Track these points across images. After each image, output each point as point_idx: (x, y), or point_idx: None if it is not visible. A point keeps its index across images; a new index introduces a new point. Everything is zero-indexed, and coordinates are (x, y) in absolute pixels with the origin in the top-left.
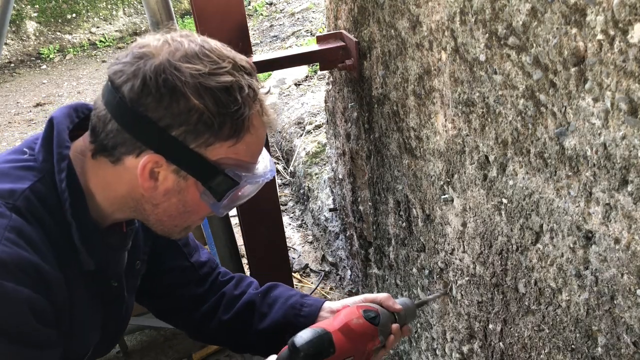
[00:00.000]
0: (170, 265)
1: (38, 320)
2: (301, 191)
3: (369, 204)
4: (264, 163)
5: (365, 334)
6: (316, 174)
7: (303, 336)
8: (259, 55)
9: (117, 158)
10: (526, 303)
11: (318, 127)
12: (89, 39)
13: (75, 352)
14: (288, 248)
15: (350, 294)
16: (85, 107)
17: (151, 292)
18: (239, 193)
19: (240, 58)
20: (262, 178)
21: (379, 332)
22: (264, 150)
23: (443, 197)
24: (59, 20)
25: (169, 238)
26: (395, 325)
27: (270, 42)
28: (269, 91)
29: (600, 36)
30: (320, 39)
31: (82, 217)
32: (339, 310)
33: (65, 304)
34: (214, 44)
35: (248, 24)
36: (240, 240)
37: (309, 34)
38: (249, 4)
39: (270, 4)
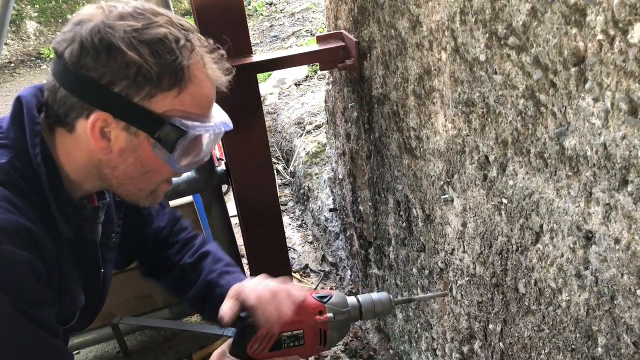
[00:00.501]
0: (139, 236)
1: (38, 281)
2: (301, 191)
3: (369, 204)
4: (219, 117)
5: (310, 308)
6: (316, 174)
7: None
8: (259, 55)
9: (71, 125)
10: (526, 303)
11: (318, 127)
12: None
13: (65, 314)
14: (288, 248)
15: (350, 294)
16: None
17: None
18: (189, 144)
19: (180, 18)
20: (214, 127)
21: (328, 309)
22: (219, 108)
23: (443, 197)
24: (59, 20)
25: (137, 206)
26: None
27: (270, 42)
28: (216, 49)
29: (600, 36)
30: (320, 39)
31: (57, 189)
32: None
33: (54, 267)
34: (150, 5)
35: (248, 24)
36: (240, 240)
37: (309, 34)
38: (249, 4)
39: (270, 4)
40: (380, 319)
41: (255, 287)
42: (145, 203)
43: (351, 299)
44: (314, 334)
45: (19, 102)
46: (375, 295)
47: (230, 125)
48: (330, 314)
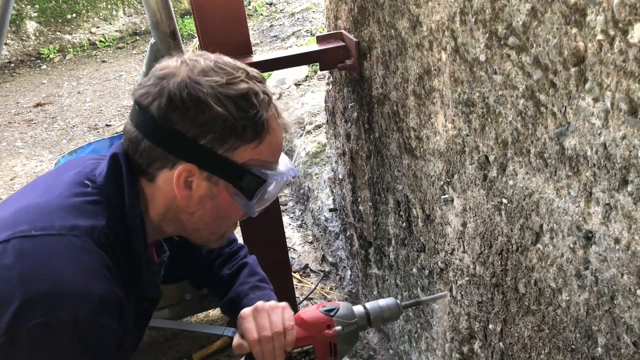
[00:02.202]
0: (189, 260)
1: (116, 348)
2: (301, 191)
3: (369, 204)
4: (284, 163)
5: (318, 323)
6: (316, 174)
7: None
8: (259, 55)
9: (152, 175)
10: (526, 303)
11: (318, 127)
12: (89, 39)
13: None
14: (288, 248)
15: (350, 294)
16: None
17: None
18: (267, 191)
19: (251, 69)
20: (286, 175)
21: (336, 322)
22: (282, 152)
23: (443, 197)
24: (59, 20)
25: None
26: None
27: (270, 42)
28: (280, 97)
29: (600, 36)
30: (320, 39)
31: (146, 250)
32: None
33: (127, 328)
34: (226, 58)
35: (248, 24)
36: (240, 240)
37: (309, 34)
38: (249, 4)
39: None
40: None
41: (252, 325)
42: (215, 245)
43: (358, 309)
44: (324, 348)
45: (115, 160)
46: (382, 302)
47: (295, 171)
48: (338, 327)
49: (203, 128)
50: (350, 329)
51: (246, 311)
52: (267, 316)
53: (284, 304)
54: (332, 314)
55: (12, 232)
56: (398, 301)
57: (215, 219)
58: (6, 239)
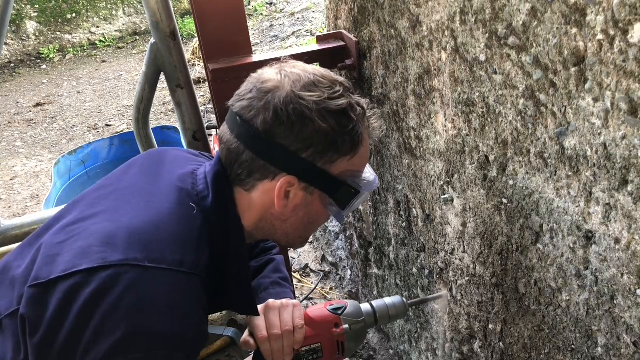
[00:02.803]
0: None
1: None
2: None
3: (369, 204)
4: (370, 171)
5: (325, 321)
6: None
7: None
8: (259, 55)
9: (251, 185)
10: (526, 303)
11: None
12: (89, 39)
13: None
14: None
15: (350, 294)
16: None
17: None
18: (358, 200)
19: (344, 79)
20: (374, 184)
21: (344, 320)
22: None
23: (443, 197)
24: (59, 20)
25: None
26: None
27: (270, 42)
28: (368, 105)
29: (600, 36)
30: (320, 39)
31: (247, 275)
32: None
33: None
34: (324, 71)
35: (248, 24)
36: None
37: (309, 34)
38: (249, 4)
39: (270, 4)
40: None
41: (261, 322)
42: (299, 247)
43: (365, 307)
44: (332, 346)
45: (219, 183)
46: (388, 300)
47: (378, 180)
48: (346, 326)
49: (306, 142)
50: (357, 327)
51: (258, 307)
52: (277, 314)
53: (295, 301)
54: (339, 312)
55: (125, 257)
56: (404, 299)
57: (306, 224)
58: (120, 263)
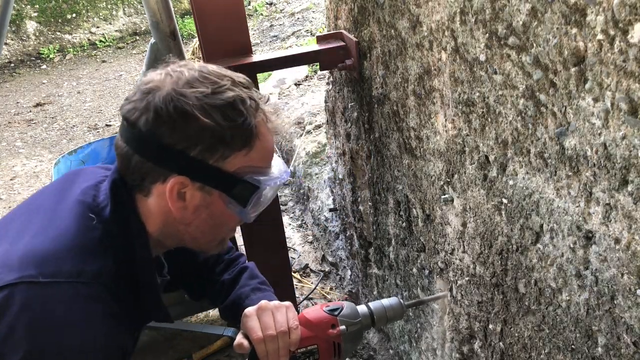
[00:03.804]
0: (187, 269)
1: None
2: (301, 191)
3: (369, 204)
4: (278, 167)
5: (322, 322)
6: (316, 174)
7: None
8: (259, 55)
9: (147, 190)
10: (526, 303)
11: (318, 127)
12: (89, 39)
13: None
14: (288, 248)
15: (350, 294)
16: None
17: None
18: (261, 197)
19: (237, 75)
20: (279, 179)
21: (340, 322)
22: (275, 155)
23: (443, 197)
24: (59, 20)
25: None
26: None
27: (270, 42)
28: (268, 99)
29: (600, 36)
30: (320, 39)
31: (153, 278)
32: None
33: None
34: (211, 67)
35: (248, 24)
36: (240, 240)
37: (309, 34)
38: (249, 4)
39: (270, 4)
40: None
41: (255, 324)
42: (215, 251)
43: (362, 308)
44: (328, 348)
45: (116, 190)
46: (386, 302)
47: (289, 173)
48: (342, 327)
49: (192, 140)
50: (354, 328)
51: (250, 310)
52: (271, 315)
53: (288, 303)
54: (336, 313)
55: (19, 275)
56: (401, 300)
57: (212, 226)
58: (14, 282)
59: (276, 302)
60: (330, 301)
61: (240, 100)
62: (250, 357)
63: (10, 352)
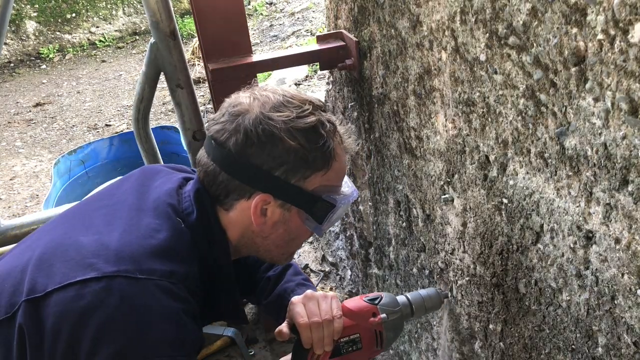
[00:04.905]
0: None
1: None
2: None
3: (369, 204)
4: (348, 184)
5: (363, 311)
6: None
7: None
8: (259, 55)
9: (229, 205)
10: (526, 303)
11: None
12: (88, 39)
13: None
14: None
15: (351, 294)
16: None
17: None
18: (335, 214)
19: (315, 98)
20: (351, 197)
21: (381, 310)
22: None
23: (443, 197)
24: (59, 20)
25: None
26: None
27: (270, 42)
28: (342, 121)
29: (600, 36)
30: (320, 39)
31: (234, 284)
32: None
33: None
34: (293, 91)
35: (248, 24)
36: None
37: (309, 34)
38: (249, 4)
39: (270, 3)
40: None
41: (302, 310)
42: (283, 263)
43: (401, 298)
44: (371, 337)
45: (201, 199)
46: (423, 292)
47: (358, 192)
48: (383, 315)
49: (277, 161)
50: (394, 316)
51: (297, 297)
52: (317, 303)
53: (332, 293)
54: (376, 302)
55: (117, 269)
56: (439, 290)
57: (287, 241)
58: (113, 274)
59: (322, 292)
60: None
61: (321, 124)
62: (295, 346)
63: (108, 342)
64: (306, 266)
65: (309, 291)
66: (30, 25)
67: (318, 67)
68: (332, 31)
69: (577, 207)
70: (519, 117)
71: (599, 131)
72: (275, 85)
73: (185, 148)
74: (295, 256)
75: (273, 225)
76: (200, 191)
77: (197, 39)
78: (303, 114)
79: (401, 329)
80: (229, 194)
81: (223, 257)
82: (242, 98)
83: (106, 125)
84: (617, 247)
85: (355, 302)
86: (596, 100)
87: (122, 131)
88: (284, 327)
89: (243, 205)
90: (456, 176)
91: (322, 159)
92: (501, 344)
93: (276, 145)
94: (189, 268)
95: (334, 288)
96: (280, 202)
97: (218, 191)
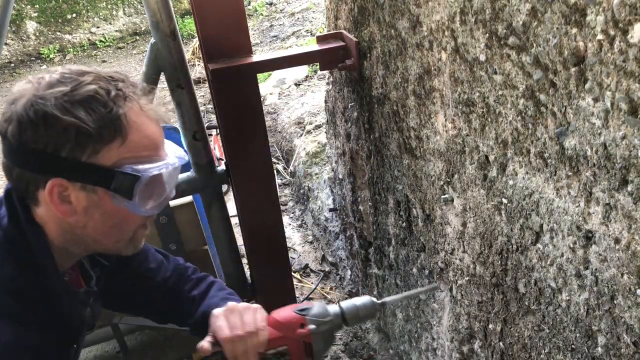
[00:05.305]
0: (144, 295)
1: None
2: (301, 191)
3: (369, 204)
4: (172, 152)
5: (290, 322)
6: (316, 174)
7: None
8: (259, 56)
9: (34, 198)
10: (526, 303)
11: (318, 127)
12: (89, 39)
13: None
14: (288, 248)
15: (351, 294)
16: None
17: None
18: (152, 186)
19: (106, 71)
20: (165, 165)
21: (309, 321)
22: (170, 142)
23: (443, 197)
24: (59, 20)
25: (120, 256)
26: None
27: (270, 42)
28: (143, 88)
29: (600, 36)
30: (320, 39)
31: (59, 281)
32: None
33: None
34: (74, 67)
35: (248, 24)
36: (240, 240)
37: (309, 34)
38: (249, 4)
39: (270, 4)
40: (380, 319)
41: (224, 323)
42: (127, 252)
43: (333, 307)
44: (299, 348)
45: (9, 199)
46: (358, 300)
47: (183, 160)
48: (312, 326)
49: (58, 141)
50: (324, 327)
51: (219, 310)
52: (239, 316)
53: (256, 305)
54: (304, 312)
55: None
56: (374, 299)
57: (111, 226)
58: None
59: (245, 304)
60: (331, 301)
61: (105, 92)
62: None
63: None
64: (306, 266)
65: (231, 303)
66: (31, 26)
67: (318, 67)
68: (332, 31)
69: (577, 207)
70: (519, 117)
71: (599, 131)
72: (276, 84)
73: (185, 148)
74: (296, 256)
75: (85, 212)
76: (9, 192)
77: (197, 39)
78: (79, 85)
79: (332, 339)
80: (28, 187)
81: (41, 256)
82: (19, 85)
83: None
84: (617, 247)
85: (284, 313)
86: (596, 100)
87: None
88: (205, 342)
89: (43, 195)
90: (456, 176)
91: (109, 129)
92: (501, 343)
93: (51, 125)
94: (2, 271)
95: (334, 288)
96: (80, 185)
97: (20, 186)
